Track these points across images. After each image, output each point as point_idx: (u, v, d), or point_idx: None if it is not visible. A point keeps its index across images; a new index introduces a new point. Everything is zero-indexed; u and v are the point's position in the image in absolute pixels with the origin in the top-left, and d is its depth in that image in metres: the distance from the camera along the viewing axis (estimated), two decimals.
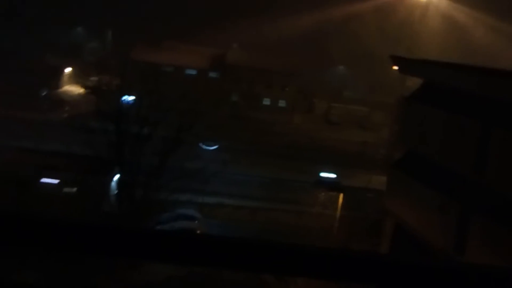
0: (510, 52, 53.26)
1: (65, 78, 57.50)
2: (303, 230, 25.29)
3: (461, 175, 12.07)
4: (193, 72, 58.54)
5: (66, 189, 24.52)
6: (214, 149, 39.60)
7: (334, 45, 67.13)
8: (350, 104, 60.17)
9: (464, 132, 11.12)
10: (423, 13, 54.82)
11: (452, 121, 11.60)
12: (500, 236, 11.12)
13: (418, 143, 13.43)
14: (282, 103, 58.64)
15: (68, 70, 58.45)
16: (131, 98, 25.98)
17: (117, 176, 24.64)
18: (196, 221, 24.80)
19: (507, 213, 10.97)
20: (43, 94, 50.51)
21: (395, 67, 16.94)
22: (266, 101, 58.59)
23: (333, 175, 35.72)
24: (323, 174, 35.73)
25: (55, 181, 24.77)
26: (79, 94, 42.96)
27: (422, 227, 14.11)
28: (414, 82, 15.20)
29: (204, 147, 39.04)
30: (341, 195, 26.70)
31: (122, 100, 24.83)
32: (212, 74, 58.90)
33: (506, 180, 10.07)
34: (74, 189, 24.47)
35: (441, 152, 12.02)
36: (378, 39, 60.71)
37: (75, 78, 53.98)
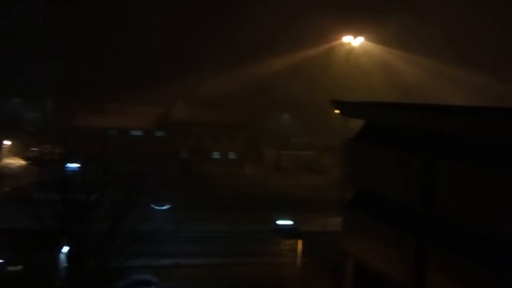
0: (439, 87, 56.72)
1: (4, 151, 55.32)
2: (265, 283, 24.76)
3: (412, 208, 12.37)
4: (139, 132, 57.98)
5: (11, 268, 22.96)
6: (167, 208, 38.72)
7: (277, 95, 68.92)
8: (298, 150, 61.30)
9: (409, 166, 11.52)
10: (357, 58, 57.70)
11: (396, 157, 12.01)
12: (457, 264, 11.35)
13: (367, 181, 13.74)
14: (232, 155, 58.84)
15: (7, 142, 56.39)
16: (76, 165, 25.21)
17: (66, 248, 23.40)
18: (153, 287, 23.77)
19: (460, 241, 11.27)
20: None
21: (337, 111, 17.56)
22: (216, 155, 58.63)
23: (289, 222, 35.67)
24: (279, 222, 35.61)
25: None
26: (21, 166, 41.26)
27: (381, 264, 14.19)
28: (356, 123, 15.74)
29: (156, 207, 38.10)
30: (300, 242, 26.55)
31: (66, 168, 24.01)
32: (159, 133, 58.55)
33: (455, 209, 10.41)
34: (20, 267, 22.95)
35: (391, 188, 12.33)
36: (318, 85, 62.99)
37: (16, 150, 52.05)
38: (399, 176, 11.62)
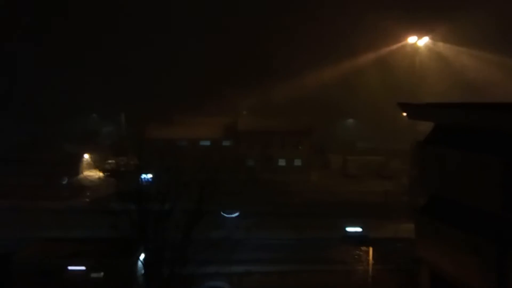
0: (507, 84, 53.61)
1: (84, 164, 58.75)
2: None
3: (490, 213, 11.81)
4: (207, 142, 59.48)
5: (94, 275, 24.37)
6: (236, 216, 39.39)
7: (342, 100, 68.17)
8: (365, 155, 60.12)
9: (485, 169, 11.04)
10: (423, 59, 55.89)
11: (470, 159, 11.55)
12: None
13: (440, 186, 13.29)
14: (297, 162, 58.79)
15: (86, 156, 59.84)
16: (150, 176, 26.39)
17: (142, 256, 24.50)
18: None
19: None
20: (64, 182, 51.52)
21: (404, 114, 17.15)
22: (282, 162, 58.84)
23: (359, 229, 35.06)
24: (349, 229, 35.09)
25: (82, 268, 24.69)
26: (99, 178, 43.62)
27: (459, 272, 13.63)
28: (425, 126, 15.31)
29: (226, 215, 38.87)
30: (371, 249, 26.07)
31: (141, 179, 25.19)
32: (226, 142, 59.74)
33: None
34: (101, 274, 24.30)
35: (465, 192, 11.87)
36: (383, 88, 61.64)
37: (94, 163, 55.17)
38: (474, 179, 11.18)
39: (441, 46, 59.11)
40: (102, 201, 29.01)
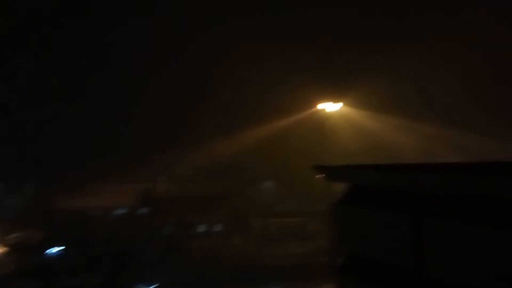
0: (422, 148, 57.89)
1: None
2: None
3: (403, 269, 12.12)
4: (122, 211, 57.07)
5: None
6: None
7: (258, 164, 69.27)
8: (284, 218, 60.73)
9: (396, 227, 11.44)
10: (336, 124, 59.03)
11: (382, 218, 11.93)
12: None
13: (356, 245, 13.52)
14: (217, 227, 57.94)
15: None
16: (58, 249, 24.46)
17: None
18: None
19: None
20: None
21: (320, 176, 17.67)
22: (201, 228, 57.66)
23: None
24: None
25: None
26: (1, 254, 39.82)
27: None
28: (340, 187, 15.83)
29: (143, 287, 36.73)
30: None
31: (47, 253, 23.27)
32: (142, 210, 57.71)
33: (445, 267, 10.23)
34: None
35: (380, 250, 12.14)
36: (298, 151, 63.69)
37: None
38: (387, 238, 11.50)
39: (354, 111, 62.92)
40: (3, 280, 26.21)
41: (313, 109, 60.44)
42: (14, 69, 71.63)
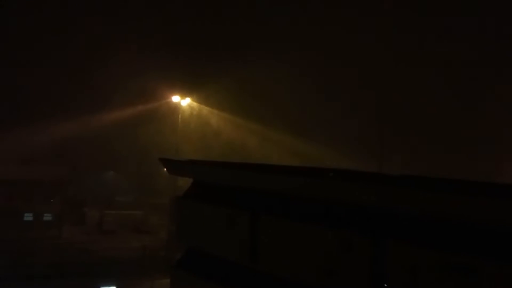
0: (262, 148, 61.00)
1: None
2: None
3: (238, 264, 12.65)
4: None
5: None
6: None
7: (102, 152, 66.02)
8: (124, 210, 58.80)
9: (234, 223, 11.91)
10: (185, 118, 59.11)
11: (222, 214, 12.32)
12: None
13: (195, 240, 13.73)
14: (47, 217, 53.59)
15: None
16: None
17: None
18: None
19: None
20: None
21: (165, 169, 17.49)
22: (28, 217, 52.76)
23: None
24: None
25: None
26: None
27: None
28: (185, 182, 15.90)
29: None
30: None
31: None
32: None
33: (277, 263, 10.96)
34: None
35: (219, 245, 12.52)
36: (145, 143, 62.35)
37: None
38: (225, 234, 11.90)
39: (203, 108, 63.67)
40: None
41: (163, 101, 59.78)
42: None
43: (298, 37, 59.00)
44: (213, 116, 65.48)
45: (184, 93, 58.14)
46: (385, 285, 2.83)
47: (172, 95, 57.25)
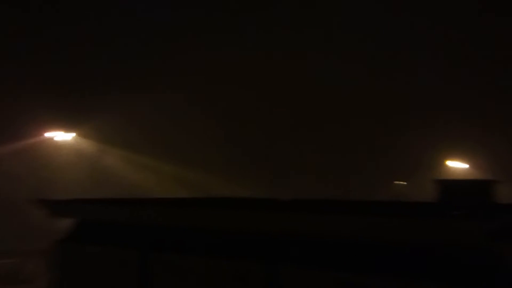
0: (152, 183, 59.38)
1: None
2: None
3: None
4: None
5: None
6: None
7: None
8: None
9: (125, 263, 11.28)
10: (67, 154, 55.67)
11: (111, 253, 11.61)
12: None
13: (81, 284, 12.73)
14: None
15: None
16: None
17: None
18: None
19: None
20: None
21: (43, 211, 16.06)
22: None
23: None
24: None
25: None
26: None
27: None
28: (66, 223, 14.76)
29: None
30: None
31: None
32: None
33: None
34: None
35: (108, 286, 11.74)
36: (19, 182, 57.27)
37: None
38: (114, 273, 11.21)
39: (87, 142, 60.47)
40: None
41: (41, 137, 55.84)
42: None
43: (180, 70, 59.21)
44: (100, 150, 62.58)
45: (68, 128, 54.95)
46: None
47: (51, 130, 53.79)
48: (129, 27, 59.18)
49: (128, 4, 59.13)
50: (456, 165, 57.97)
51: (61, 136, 55.22)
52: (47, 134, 55.04)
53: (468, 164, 58.11)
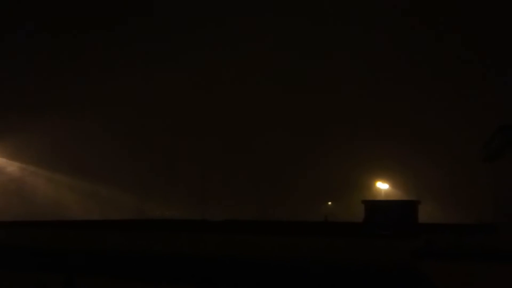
0: (77, 204, 56.75)
1: None
2: None
3: None
4: None
5: None
6: None
7: None
8: None
9: None
10: None
11: (35, 279, 10.90)
12: None
13: None
14: None
15: None
16: None
17: None
18: None
19: None
20: None
21: None
22: None
23: None
24: None
25: None
26: None
27: None
28: None
29: None
30: None
31: None
32: None
33: None
34: None
35: None
36: None
37: None
38: None
39: (9, 163, 57.00)
40: None
41: None
42: None
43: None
44: (15, 170, 59.01)
45: None
46: None
47: None
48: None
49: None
50: (381, 185, 60.30)
51: None
52: None
53: (390, 183, 60.76)
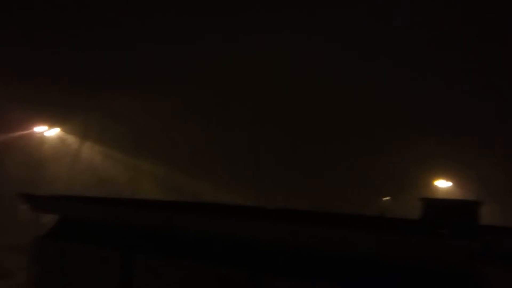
0: (137, 182, 58.94)
1: None
2: None
3: None
4: None
5: None
6: None
7: None
8: None
9: (107, 262, 11.17)
10: (52, 148, 55.16)
11: (93, 252, 11.50)
12: None
13: (62, 282, 12.57)
14: None
15: None
16: None
17: None
18: None
19: None
20: None
21: (26, 205, 15.84)
22: None
23: None
24: None
25: None
26: None
27: None
28: (50, 219, 14.60)
29: None
30: None
31: None
32: None
33: None
34: None
35: (87, 286, 11.62)
36: (5, 176, 56.54)
37: None
38: (96, 273, 11.09)
39: (72, 138, 59.91)
40: None
41: (28, 131, 55.29)
42: None
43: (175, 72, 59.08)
44: (85, 148, 62.07)
45: (52, 123, 54.45)
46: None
47: (37, 125, 53.32)
48: (116, 32, 58.79)
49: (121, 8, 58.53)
50: (441, 183, 58.47)
51: (47, 131, 54.63)
52: (36, 129, 54.50)
53: (451, 182, 58.76)
